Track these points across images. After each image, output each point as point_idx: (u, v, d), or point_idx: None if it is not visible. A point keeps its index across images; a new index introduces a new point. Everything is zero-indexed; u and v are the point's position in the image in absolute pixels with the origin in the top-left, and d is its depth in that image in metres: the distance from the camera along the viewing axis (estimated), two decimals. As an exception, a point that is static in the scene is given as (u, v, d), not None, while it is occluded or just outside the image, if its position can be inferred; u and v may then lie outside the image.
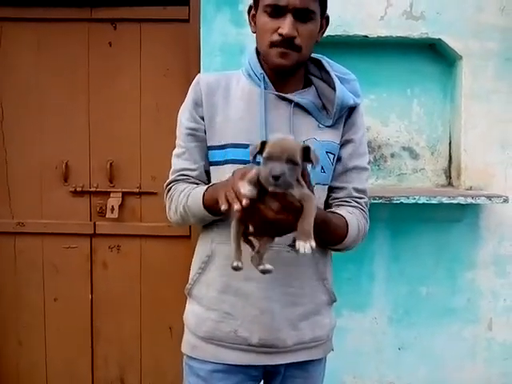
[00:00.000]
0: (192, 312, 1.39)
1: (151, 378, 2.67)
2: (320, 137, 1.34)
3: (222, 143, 1.32)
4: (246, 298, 1.30)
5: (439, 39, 2.36)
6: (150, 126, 2.55)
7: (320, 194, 1.35)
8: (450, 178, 2.53)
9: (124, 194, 2.56)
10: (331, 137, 1.35)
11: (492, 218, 2.42)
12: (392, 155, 2.53)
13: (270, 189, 1.05)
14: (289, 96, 1.33)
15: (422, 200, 2.18)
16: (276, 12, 1.26)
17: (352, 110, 1.38)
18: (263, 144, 1.08)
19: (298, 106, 1.33)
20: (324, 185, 1.36)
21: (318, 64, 1.39)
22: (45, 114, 2.58)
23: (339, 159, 1.38)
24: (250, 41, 2.36)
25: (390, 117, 2.51)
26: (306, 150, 1.08)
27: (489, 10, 2.36)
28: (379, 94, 2.48)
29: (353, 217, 1.34)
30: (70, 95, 2.56)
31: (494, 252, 2.44)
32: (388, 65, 2.46)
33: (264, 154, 1.06)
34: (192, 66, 2.41)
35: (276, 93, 1.33)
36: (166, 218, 2.69)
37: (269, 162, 1.05)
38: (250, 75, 1.36)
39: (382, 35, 2.36)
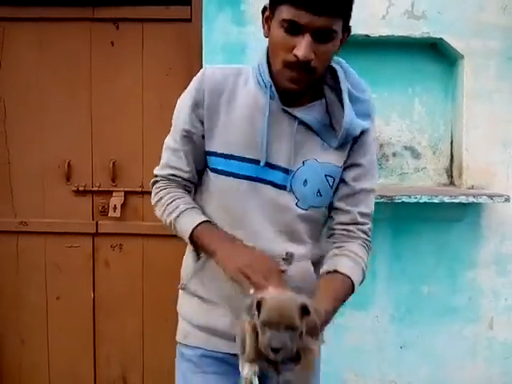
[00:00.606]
0: (186, 301, 1.39)
1: (153, 376, 2.68)
2: (322, 158, 1.27)
3: (225, 153, 1.27)
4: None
5: (441, 38, 2.36)
6: (152, 125, 2.55)
7: (314, 215, 1.31)
8: (452, 177, 2.54)
9: (126, 193, 2.57)
10: (334, 159, 1.27)
11: (493, 217, 2.42)
12: (394, 154, 2.53)
13: (271, 357, 1.01)
14: (294, 112, 1.24)
15: (424, 199, 2.18)
16: (293, 29, 1.13)
17: (362, 131, 1.29)
18: (259, 303, 1.02)
19: (303, 122, 1.25)
20: (319, 207, 1.31)
21: (334, 73, 1.29)
22: (47, 114, 2.58)
23: (344, 181, 1.30)
24: (251, 40, 2.36)
25: (392, 116, 2.51)
26: (305, 309, 1.02)
27: (490, 9, 2.36)
28: (381, 93, 2.48)
29: (358, 267, 1.27)
30: (73, 94, 2.57)
31: (496, 251, 2.44)
32: (389, 64, 2.46)
33: (261, 318, 1.00)
34: (194, 65, 2.41)
35: (281, 107, 1.24)
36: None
37: (267, 330, 0.99)
38: (257, 79, 1.27)
39: (384, 34, 2.36)
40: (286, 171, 1.25)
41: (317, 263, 1.34)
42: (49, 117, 2.59)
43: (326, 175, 1.27)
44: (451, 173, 2.54)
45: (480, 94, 2.38)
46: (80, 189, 2.58)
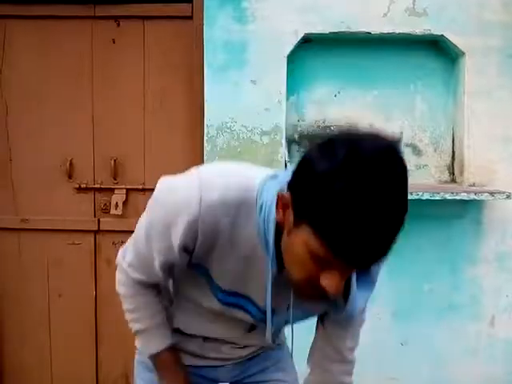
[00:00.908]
0: None
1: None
2: (310, 308, 1.15)
3: (217, 283, 1.09)
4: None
5: (442, 35, 2.36)
6: (153, 122, 2.55)
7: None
8: (453, 174, 2.54)
9: (128, 191, 2.57)
10: (320, 308, 1.16)
11: (495, 214, 2.42)
12: (395, 151, 2.53)
13: None
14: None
15: (426, 196, 2.18)
16: (322, 262, 0.87)
17: None
18: None
19: None
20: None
21: None
22: (49, 111, 2.59)
23: (336, 311, 1.13)
24: (253, 37, 2.37)
25: (393, 113, 2.51)
26: None
27: (491, 6, 2.36)
28: (382, 90, 2.48)
29: None
30: (74, 93, 2.57)
31: (497, 248, 2.44)
32: (391, 61, 2.46)
33: None
34: (195, 63, 2.42)
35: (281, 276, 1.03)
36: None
37: None
38: (259, 233, 1.00)
39: (385, 32, 2.36)
40: (271, 311, 1.11)
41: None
42: (50, 114, 2.59)
43: (308, 316, 1.20)
44: (453, 170, 2.54)
45: (481, 91, 2.38)
46: (82, 186, 2.58)
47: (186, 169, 1.06)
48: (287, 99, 2.43)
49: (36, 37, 2.55)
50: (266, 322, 1.12)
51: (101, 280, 2.64)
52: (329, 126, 2.51)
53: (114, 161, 2.56)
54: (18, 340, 2.68)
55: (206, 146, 2.40)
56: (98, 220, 2.60)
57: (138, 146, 2.57)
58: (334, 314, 1.13)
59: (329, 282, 0.88)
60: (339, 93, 2.49)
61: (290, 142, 2.49)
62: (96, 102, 2.57)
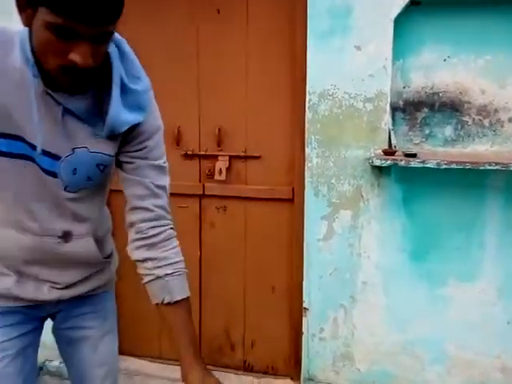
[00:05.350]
0: None
1: (254, 333, 2.80)
2: (93, 146, 1.19)
3: None
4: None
5: None
6: (255, 91, 2.59)
7: (88, 194, 1.27)
8: None
9: (231, 158, 2.65)
10: (105, 148, 1.20)
11: None
12: (510, 120, 2.37)
13: None
14: (57, 98, 1.12)
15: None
16: (65, 34, 0.98)
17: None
18: None
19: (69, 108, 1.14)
20: (92, 187, 1.26)
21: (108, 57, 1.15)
22: (157, 82, 2.65)
23: (130, 161, 1.24)
24: (358, 1, 2.30)
25: (508, 78, 2.34)
26: None
27: None
28: (495, 54, 2.31)
29: (185, 276, 1.37)
30: (180, 63, 2.66)
31: None
32: (505, 23, 2.27)
33: None
34: (298, 30, 2.40)
35: (44, 89, 1.11)
36: (269, 181, 2.73)
37: None
38: (23, 54, 1.09)
39: (502, -11, 2.19)
40: (55, 157, 1.17)
41: (102, 236, 1.37)
42: (158, 85, 2.66)
43: (97, 164, 1.22)
44: None
45: None
46: (188, 153, 2.70)
47: (287, 136, 1.09)
48: (393, 64, 2.35)
49: (141, 11, 2.64)
50: (60, 175, 1.18)
51: (205, 241, 2.78)
52: (437, 93, 2.40)
53: (219, 129, 2.65)
54: (132, 294, 2.87)
55: (308, 114, 2.39)
56: (203, 185, 2.71)
57: (240, 115, 2.62)
58: (100, 130, 1.16)
59: (78, 55, 0.99)
60: (449, 57, 2.36)
61: (394, 109, 2.42)
62: (202, 72, 2.65)
